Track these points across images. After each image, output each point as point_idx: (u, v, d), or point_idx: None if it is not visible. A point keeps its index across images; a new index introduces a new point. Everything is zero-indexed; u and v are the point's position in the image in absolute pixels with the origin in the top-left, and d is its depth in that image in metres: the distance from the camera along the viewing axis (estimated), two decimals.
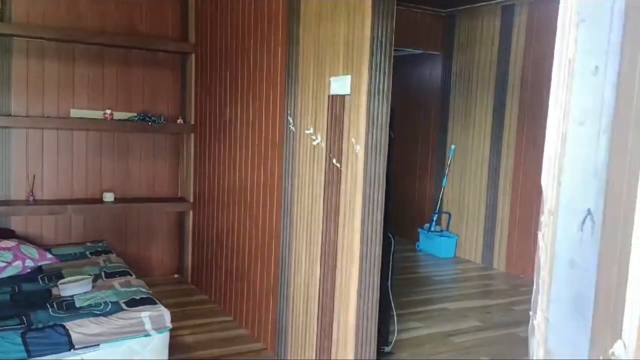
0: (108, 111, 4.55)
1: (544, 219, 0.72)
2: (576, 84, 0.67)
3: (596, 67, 0.66)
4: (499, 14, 5.98)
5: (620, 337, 0.63)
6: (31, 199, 4.41)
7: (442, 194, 6.66)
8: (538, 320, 0.73)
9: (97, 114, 4.59)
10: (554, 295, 0.70)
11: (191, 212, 4.95)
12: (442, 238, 6.44)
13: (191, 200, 4.92)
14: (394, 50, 2.75)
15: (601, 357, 0.65)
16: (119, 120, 4.61)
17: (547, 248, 0.71)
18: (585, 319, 0.67)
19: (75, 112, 4.57)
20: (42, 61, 4.44)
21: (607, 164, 0.65)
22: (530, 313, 0.76)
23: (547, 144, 0.71)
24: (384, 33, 2.66)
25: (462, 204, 6.47)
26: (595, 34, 0.66)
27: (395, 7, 2.69)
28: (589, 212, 0.66)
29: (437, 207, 6.67)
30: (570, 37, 0.68)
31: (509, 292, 5.20)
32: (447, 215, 6.62)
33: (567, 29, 0.69)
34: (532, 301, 0.75)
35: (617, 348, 0.63)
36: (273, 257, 3.56)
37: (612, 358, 0.64)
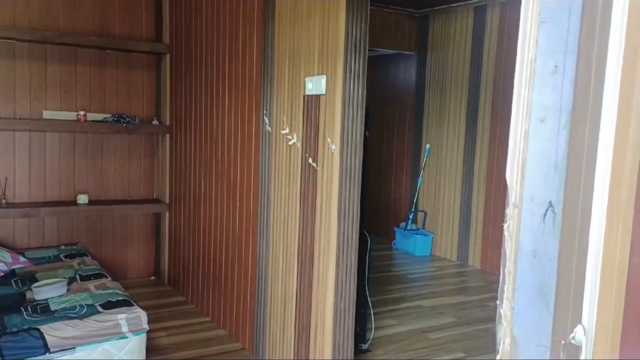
0: (81, 112, 4.51)
1: (509, 211, 0.76)
2: (537, 82, 0.71)
3: (555, 66, 0.69)
4: (471, 15, 6.07)
5: (580, 322, 0.66)
6: (3, 201, 4.35)
7: (418, 193, 6.73)
8: (504, 309, 0.77)
9: (71, 115, 4.54)
10: (519, 284, 0.73)
11: (167, 214, 4.92)
12: (418, 236, 6.51)
13: (167, 201, 4.90)
14: (369, 50, 2.78)
15: (562, 342, 0.68)
16: (93, 121, 4.57)
17: (511, 239, 0.75)
18: (547, 306, 0.70)
19: (47, 114, 4.51)
20: (13, 62, 4.38)
21: (567, 158, 0.68)
22: (497, 302, 0.79)
23: (511, 140, 0.75)
24: (358, 33, 2.69)
25: (437, 203, 6.55)
26: (554, 34, 0.69)
27: (369, 7, 2.72)
28: (550, 204, 0.69)
29: (413, 206, 6.74)
30: (532, 38, 0.72)
31: (484, 289, 5.29)
32: (423, 213, 6.69)
33: (529, 30, 0.72)
34: (498, 291, 0.78)
35: (578, 332, 0.67)
36: (250, 257, 3.57)
37: (573, 342, 0.67)
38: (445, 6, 6.28)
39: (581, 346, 0.67)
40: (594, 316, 0.65)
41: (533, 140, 0.72)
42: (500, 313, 0.77)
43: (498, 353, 0.78)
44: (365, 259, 3.48)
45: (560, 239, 0.68)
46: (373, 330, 3.76)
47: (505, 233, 0.76)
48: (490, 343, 3.92)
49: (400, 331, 4.10)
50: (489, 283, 5.45)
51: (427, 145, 6.64)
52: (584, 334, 0.66)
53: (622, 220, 0.64)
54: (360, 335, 3.56)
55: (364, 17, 2.70)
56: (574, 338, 0.67)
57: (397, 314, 4.45)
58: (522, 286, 0.73)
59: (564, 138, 0.68)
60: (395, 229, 6.83)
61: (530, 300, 0.72)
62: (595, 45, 0.64)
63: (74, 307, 3.11)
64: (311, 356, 3.00)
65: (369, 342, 3.71)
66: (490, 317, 4.43)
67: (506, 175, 0.76)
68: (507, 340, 0.76)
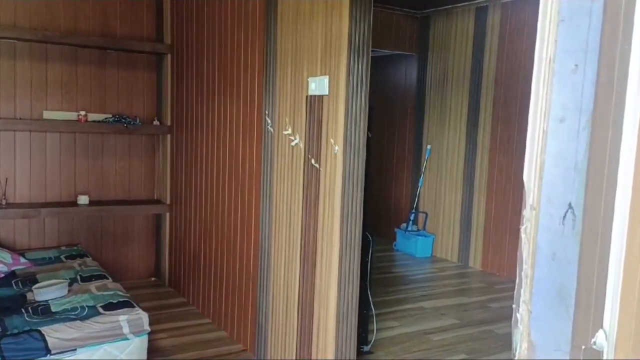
0: (82, 112, 4.49)
1: (526, 213, 0.74)
2: (556, 82, 0.69)
3: (576, 65, 0.68)
4: (472, 15, 6.06)
5: (601, 326, 0.65)
6: (3, 202, 4.33)
7: (419, 194, 6.72)
8: (521, 313, 0.75)
9: (71, 116, 4.53)
10: (537, 287, 0.72)
11: (168, 214, 4.91)
12: (419, 237, 6.50)
13: (168, 202, 4.88)
14: (371, 51, 2.77)
15: (583, 347, 0.67)
16: (94, 121, 4.55)
17: (529, 242, 0.73)
18: (567, 310, 0.69)
19: (48, 114, 4.50)
20: (14, 62, 4.36)
21: (587, 159, 0.67)
22: (514, 306, 0.77)
23: (529, 141, 0.73)
24: (361, 34, 2.68)
25: (438, 204, 6.54)
26: (575, 33, 0.68)
27: (372, 8, 2.71)
28: (570, 206, 0.68)
29: (414, 207, 6.73)
30: (551, 37, 0.70)
31: (485, 290, 5.27)
32: (424, 214, 6.68)
33: (547, 29, 0.71)
34: (515, 294, 0.77)
35: (599, 337, 0.65)
36: (252, 258, 3.55)
37: (594, 347, 0.66)
38: (446, 7, 6.27)
39: (602, 351, 0.65)
40: (615, 321, 0.64)
41: (552, 140, 0.70)
42: (516, 317, 0.76)
43: (514, 357, 0.77)
44: (367, 261, 3.46)
45: (580, 242, 0.67)
46: (375, 331, 3.75)
47: (522, 235, 0.75)
48: (492, 345, 3.91)
49: (402, 333, 4.08)
50: (490, 284, 5.44)
51: (428, 146, 6.62)
52: (606, 339, 0.65)
53: None
54: (362, 336, 3.54)
55: (367, 17, 2.69)
56: (595, 343, 0.66)
57: (399, 316, 4.43)
58: (540, 289, 0.72)
59: (585, 139, 0.67)
60: (396, 230, 6.82)
61: (549, 304, 0.71)
62: (618, 45, 0.63)
63: (74, 309, 3.09)
64: (313, 357, 2.98)
65: (371, 343, 3.70)
66: (493, 319, 4.42)
67: (523, 177, 0.74)
68: (524, 345, 0.74)
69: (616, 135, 0.63)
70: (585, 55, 0.67)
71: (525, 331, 0.74)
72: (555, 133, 0.70)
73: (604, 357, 0.65)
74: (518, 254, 0.77)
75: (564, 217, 0.68)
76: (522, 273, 0.75)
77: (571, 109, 0.68)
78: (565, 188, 0.69)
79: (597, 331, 0.65)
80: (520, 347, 0.75)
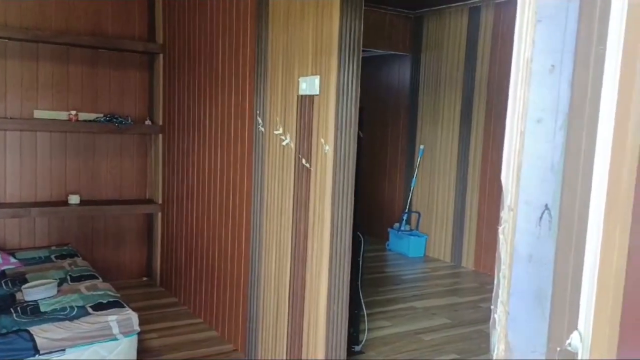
0: (73, 112, 4.47)
1: (503, 214, 0.74)
2: (534, 82, 0.69)
3: (552, 65, 0.67)
4: (465, 15, 6.07)
5: (576, 328, 0.65)
6: None
7: (412, 194, 6.72)
8: (499, 314, 0.75)
9: (62, 115, 4.50)
10: (514, 289, 0.72)
11: (160, 214, 4.89)
12: (412, 237, 6.50)
13: (160, 201, 4.87)
14: (363, 51, 2.77)
15: (558, 348, 0.67)
16: (85, 121, 4.53)
17: (507, 243, 0.73)
18: (543, 311, 0.68)
19: (39, 113, 4.47)
20: (5, 61, 4.34)
21: (564, 160, 0.66)
22: (492, 307, 0.77)
23: (506, 141, 0.73)
24: (352, 33, 2.68)
25: (431, 203, 6.55)
26: (552, 34, 0.67)
27: (363, 7, 2.70)
28: (546, 207, 0.68)
29: (407, 207, 6.73)
30: (528, 37, 0.70)
31: (477, 290, 5.28)
32: (417, 214, 6.69)
33: (525, 29, 0.70)
34: (493, 295, 0.77)
35: (574, 339, 0.65)
36: (243, 258, 3.55)
37: (569, 349, 0.65)
38: (439, 7, 6.28)
39: (577, 353, 0.65)
40: (590, 322, 0.64)
41: (529, 141, 0.70)
42: (494, 318, 0.76)
43: (492, 358, 0.76)
44: (359, 260, 3.46)
45: (556, 243, 0.67)
46: (366, 331, 3.75)
47: (500, 236, 0.75)
48: (483, 345, 3.91)
49: (393, 333, 4.08)
50: (482, 284, 5.45)
51: (421, 146, 6.63)
52: (580, 341, 0.64)
53: (620, 223, 0.62)
54: (353, 336, 3.54)
55: (358, 17, 2.68)
56: (570, 344, 0.65)
57: (390, 316, 4.43)
58: (518, 291, 0.71)
59: (561, 139, 0.67)
60: (389, 229, 6.82)
61: (526, 306, 0.70)
62: (593, 45, 0.63)
63: (64, 309, 3.08)
64: (304, 357, 2.98)
65: (362, 343, 3.69)
66: (484, 319, 4.43)
67: (501, 178, 0.74)
68: (502, 346, 0.74)
69: (591, 136, 0.63)
70: (562, 55, 0.66)
71: (502, 332, 0.74)
72: (533, 134, 0.70)
73: (579, 359, 0.65)
74: (496, 254, 0.77)
75: (541, 218, 0.68)
76: (500, 274, 0.75)
77: (548, 109, 0.68)
78: (542, 189, 0.68)
79: (572, 333, 0.65)
80: (498, 348, 0.75)
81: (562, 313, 0.66)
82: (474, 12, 5.96)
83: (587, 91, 0.64)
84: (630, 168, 0.61)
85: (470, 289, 5.35)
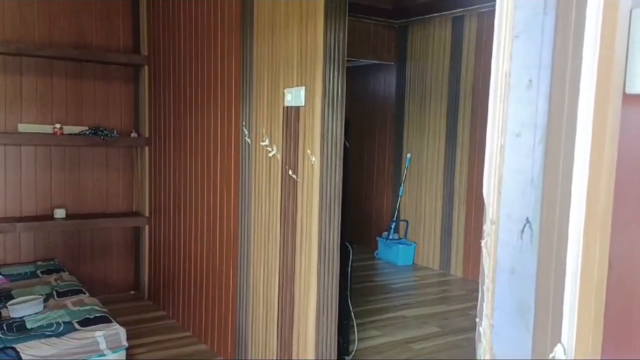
0: (58, 125, 4.43)
1: (486, 227, 0.74)
2: (512, 97, 0.70)
3: (530, 80, 0.68)
4: (449, 25, 6.12)
5: (559, 341, 0.65)
6: None
7: (400, 202, 6.74)
8: (484, 327, 0.75)
9: (47, 129, 4.47)
10: (498, 302, 0.72)
11: (147, 227, 4.86)
12: (400, 246, 6.51)
13: (147, 214, 4.83)
14: (349, 61, 2.78)
15: None
16: (70, 134, 4.50)
17: (489, 256, 0.73)
18: (527, 324, 0.69)
19: (23, 127, 4.44)
20: None
21: (543, 174, 0.67)
22: (477, 320, 0.77)
23: (487, 155, 0.74)
24: (337, 44, 2.69)
25: (419, 212, 6.57)
26: (529, 49, 0.68)
27: (347, 17, 2.72)
28: (527, 220, 0.68)
29: (395, 215, 6.74)
30: (506, 52, 0.71)
31: (466, 298, 5.29)
32: (405, 223, 6.70)
33: (503, 44, 0.71)
34: (477, 308, 0.77)
35: (557, 352, 0.65)
36: (231, 269, 3.53)
37: None
38: (423, 16, 6.33)
39: None
40: (573, 335, 0.64)
41: (509, 155, 0.71)
42: (479, 331, 0.76)
43: None
44: (347, 270, 3.46)
45: (538, 257, 0.67)
46: (356, 341, 3.74)
47: (484, 250, 0.75)
48: (473, 353, 3.92)
49: (383, 342, 4.08)
50: (470, 292, 5.46)
51: (408, 155, 6.65)
52: (564, 353, 0.65)
53: (600, 236, 0.63)
54: (343, 347, 3.53)
55: (342, 27, 2.70)
56: (553, 357, 0.66)
57: (380, 325, 4.42)
58: (501, 304, 0.72)
59: (540, 153, 0.67)
60: (378, 238, 6.82)
61: (509, 319, 0.71)
62: (569, 59, 0.63)
63: (50, 325, 3.04)
64: None
65: (352, 353, 3.68)
66: (474, 327, 4.42)
67: (483, 191, 0.75)
68: (487, 358, 0.74)
69: (569, 150, 0.64)
70: (539, 70, 0.67)
71: (487, 345, 0.74)
72: (513, 148, 0.70)
73: None
74: (480, 268, 0.77)
75: (522, 231, 0.69)
76: (484, 287, 0.75)
77: (527, 124, 0.69)
78: (522, 203, 0.69)
79: (555, 345, 0.66)
80: None
81: (545, 326, 0.67)
82: (458, 22, 6.02)
83: (564, 105, 0.65)
84: (608, 181, 0.62)
85: (460, 297, 5.36)
